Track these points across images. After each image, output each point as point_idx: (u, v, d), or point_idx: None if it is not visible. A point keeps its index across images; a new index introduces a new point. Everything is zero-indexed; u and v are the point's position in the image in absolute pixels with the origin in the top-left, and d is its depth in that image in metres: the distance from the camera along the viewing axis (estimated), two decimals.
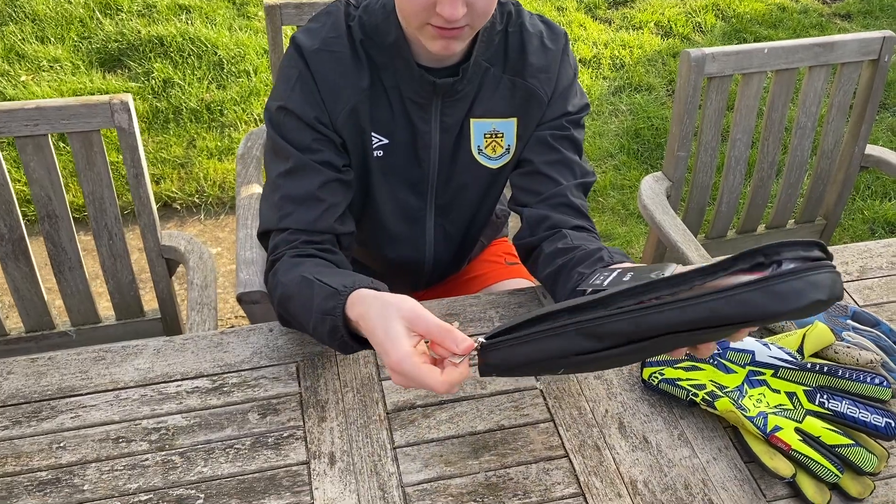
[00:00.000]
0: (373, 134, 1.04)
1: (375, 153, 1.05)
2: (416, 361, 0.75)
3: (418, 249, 1.17)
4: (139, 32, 3.13)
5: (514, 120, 1.07)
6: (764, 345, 0.95)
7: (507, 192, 1.19)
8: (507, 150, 1.09)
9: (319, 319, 0.86)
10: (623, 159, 2.77)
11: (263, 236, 1.03)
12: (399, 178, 1.09)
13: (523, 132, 1.08)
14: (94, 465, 0.88)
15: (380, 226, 1.13)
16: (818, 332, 0.97)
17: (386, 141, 1.05)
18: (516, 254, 1.45)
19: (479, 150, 1.08)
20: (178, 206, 2.54)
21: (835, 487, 0.87)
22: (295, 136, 0.99)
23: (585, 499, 0.86)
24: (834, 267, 0.66)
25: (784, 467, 0.87)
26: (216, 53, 3.06)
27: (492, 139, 1.07)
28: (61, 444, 0.90)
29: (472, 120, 1.06)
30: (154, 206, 1.32)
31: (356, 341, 0.86)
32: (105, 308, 1.44)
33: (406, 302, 0.79)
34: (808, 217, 1.71)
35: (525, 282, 1.33)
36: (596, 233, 1.06)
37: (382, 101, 1.02)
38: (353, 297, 0.83)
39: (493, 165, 1.10)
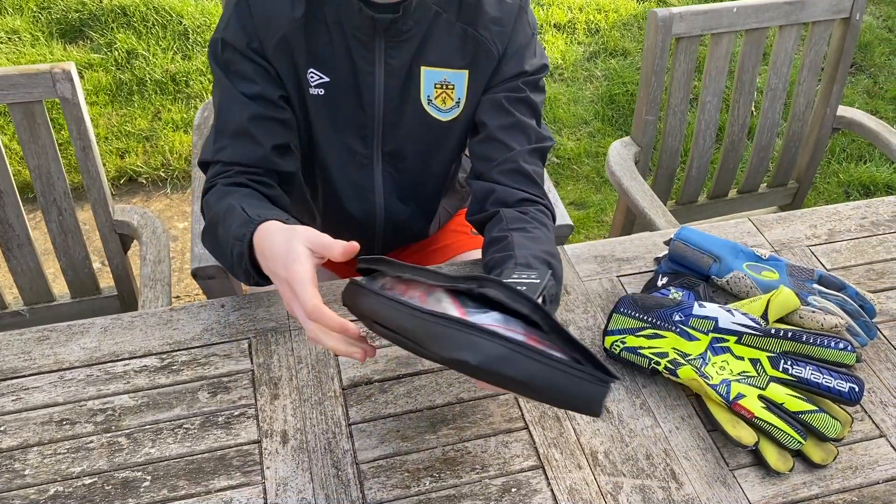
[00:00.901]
0: (311, 70, 1.01)
1: (315, 91, 1.02)
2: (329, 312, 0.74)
3: (367, 199, 1.13)
4: (101, 2, 3.03)
5: (466, 72, 1.04)
6: (728, 311, 0.93)
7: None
8: (458, 103, 1.06)
9: (232, 244, 0.86)
10: (598, 126, 2.73)
11: (203, 166, 1.02)
12: (343, 120, 1.06)
13: (473, 86, 1.05)
14: (35, 448, 0.85)
15: (326, 172, 1.10)
16: (783, 297, 0.95)
17: (326, 79, 1.01)
18: None
19: (429, 101, 1.04)
20: (144, 181, 2.48)
21: (798, 454, 0.86)
22: (233, 67, 0.99)
23: (545, 471, 0.84)
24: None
25: (747, 435, 0.85)
26: (181, 23, 2.97)
27: (442, 90, 1.03)
28: (1, 429, 0.86)
29: (423, 68, 1.02)
30: (105, 180, 1.27)
31: (260, 275, 0.86)
32: (62, 287, 1.40)
33: (308, 230, 0.79)
34: (781, 181, 1.69)
35: None
36: (544, 202, 1.03)
37: (322, 36, 0.99)
38: (263, 226, 0.83)
39: (443, 118, 1.06)
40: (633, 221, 1.56)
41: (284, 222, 0.84)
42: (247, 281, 0.89)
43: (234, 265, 0.89)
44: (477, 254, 1.31)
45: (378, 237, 1.20)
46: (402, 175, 1.12)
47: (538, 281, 0.83)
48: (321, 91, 1.02)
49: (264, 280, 0.87)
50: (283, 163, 1.00)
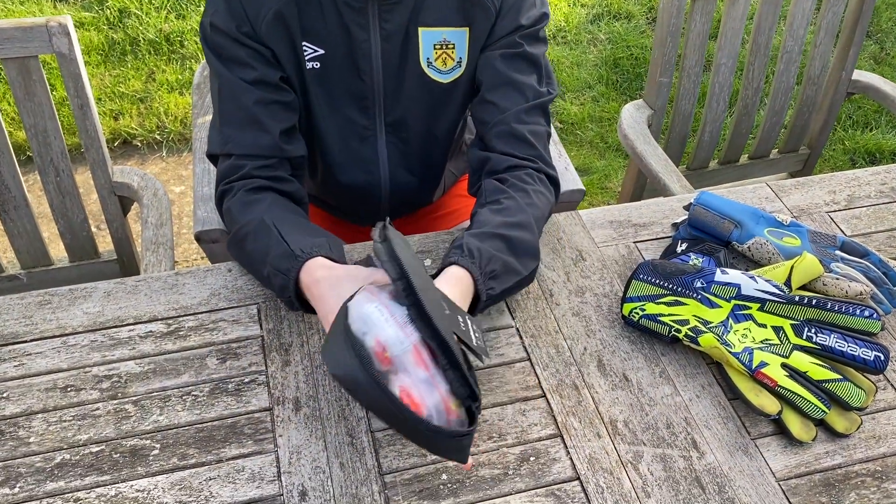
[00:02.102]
0: (304, 44, 0.96)
1: (310, 65, 0.98)
2: None
3: (371, 172, 1.10)
4: None
5: (466, 30, 0.99)
6: (750, 277, 0.91)
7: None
8: (459, 63, 1.01)
9: (273, 272, 0.86)
10: (602, 90, 2.68)
11: (212, 158, 0.99)
12: (340, 93, 1.02)
13: (474, 44, 1.01)
14: (40, 415, 0.82)
15: (326, 148, 1.07)
16: (806, 263, 0.93)
17: (320, 51, 0.97)
18: None
19: (429, 63, 1.00)
20: (139, 144, 2.42)
21: (821, 423, 0.84)
22: (226, 53, 0.95)
23: (563, 439, 0.82)
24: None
25: (770, 404, 0.83)
26: None
27: (442, 51, 0.99)
28: (4, 395, 0.84)
29: (420, 29, 0.98)
30: (103, 141, 1.23)
31: (301, 303, 0.86)
32: (59, 251, 1.36)
33: (359, 275, 0.81)
34: (792, 146, 1.66)
35: None
36: (535, 164, 0.99)
37: (313, 8, 0.95)
38: (308, 264, 0.84)
39: (444, 80, 1.02)
40: (643, 187, 1.53)
41: (328, 256, 0.85)
42: (288, 307, 0.89)
43: (271, 288, 0.90)
44: None
45: (384, 207, 1.17)
46: (406, 145, 1.09)
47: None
48: (316, 65, 0.98)
49: (308, 309, 0.86)
50: (293, 148, 0.97)
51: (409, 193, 1.16)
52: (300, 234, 0.87)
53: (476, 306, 0.85)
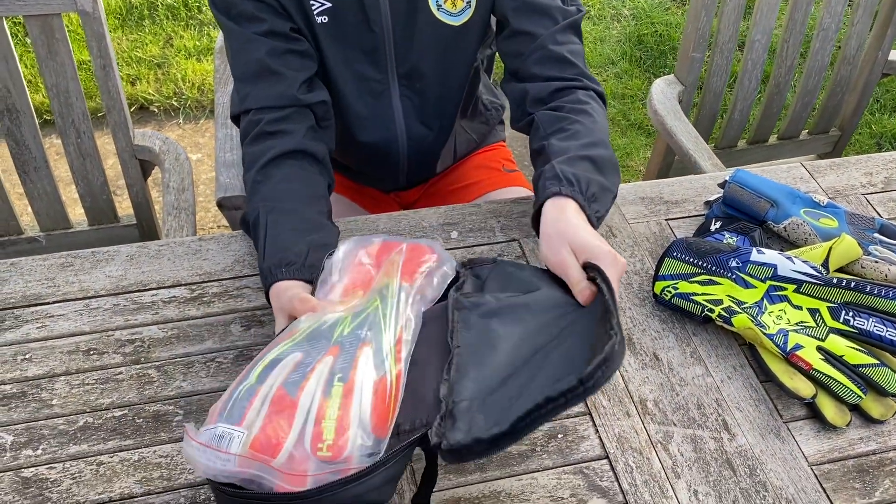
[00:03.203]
0: None
1: (319, 19, 0.96)
2: None
3: (388, 128, 1.08)
4: None
5: None
6: (787, 258, 0.88)
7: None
8: (468, 3, 0.99)
9: (260, 265, 0.85)
10: (625, 67, 2.64)
11: (234, 120, 0.97)
12: (352, 47, 0.99)
13: None
14: (62, 378, 0.81)
15: (343, 106, 1.04)
16: (845, 245, 0.90)
17: (328, 4, 0.95)
18: (513, 160, 1.37)
19: (439, 6, 0.98)
20: (156, 110, 2.40)
21: (856, 409, 0.83)
22: (234, 10, 0.93)
23: (592, 418, 0.81)
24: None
25: (804, 387, 0.82)
26: None
27: None
28: (27, 356, 0.83)
29: None
30: (125, 102, 1.21)
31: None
32: (78, 215, 1.35)
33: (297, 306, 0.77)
34: (823, 128, 1.63)
35: (525, 190, 1.25)
36: (582, 83, 0.97)
37: None
38: (273, 287, 0.81)
39: (455, 22, 1.00)
40: (670, 165, 1.50)
41: (294, 277, 0.81)
42: None
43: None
44: (508, 192, 1.26)
45: (402, 166, 1.14)
46: (420, 96, 1.06)
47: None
48: (325, 18, 0.96)
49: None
50: (312, 95, 0.94)
51: (426, 147, 1.14)
52: (284, 239, 0.85)
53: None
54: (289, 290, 0.79)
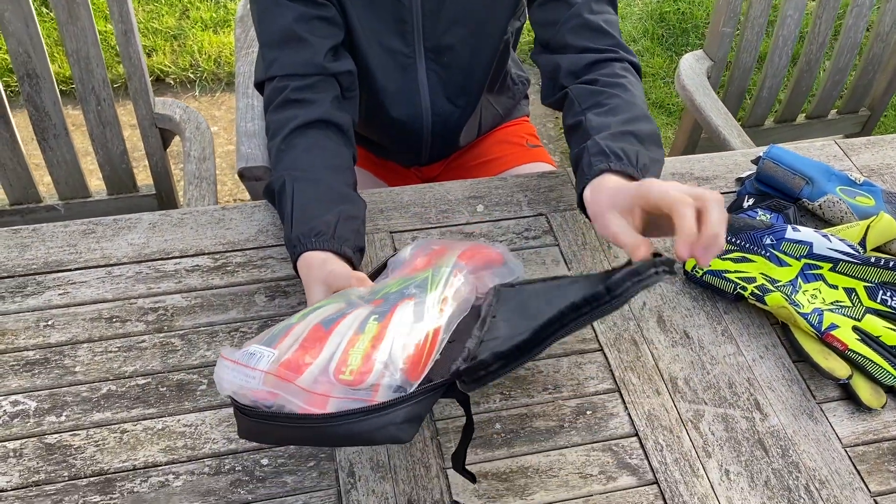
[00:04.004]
0: None
1: None
2: None
3: (413, 103, 1.05)
4: None
5: None
6: (823, 236, 0.86)
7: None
8: None
9: (286, 236, 0.83)
10: (646, 45, 2.60)
11: (259, 87, 0.95)
12: (379, 17, 0.97)
13: None
14: (85, 345, 0.81)
15: (368, 79, 1.01)
16: (884, 224, 0.88)
17: None
18: (537, 135, 1.34)
19: None
20: (172, 82, 2.38)
21: (891, 390, 0.81)
22: None
23: (621, 395, 0.80)
24: None
25: (840, 368, 0.80)
26: None
27: None
28: (49, 322, 0.82)
29: None
30: (146, 69, 1.19)
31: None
32: (96, 185, 1.34)
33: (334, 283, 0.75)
34: (853, 107, 1.59)
35: (548, 166, 1.23)
36: (618, 54, 0.93)
37: None
38: (303, 257, 0.79)
39: None
40: (695, 143, 1.48)
41: (324, 248, 0.78)
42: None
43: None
44: (531, 168, 1.24)
45: (426, 141, 1.12)
46: (447, 71, 1.04)
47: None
48: None
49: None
50: (338, 64, 0.92)
51: (452, 124, 1.12)
52: (312, 208, 0.82)
53: None
54: (327, 264, 0.76)
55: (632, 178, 0.78)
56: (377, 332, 0.64)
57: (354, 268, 0.79)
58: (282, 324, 0.66)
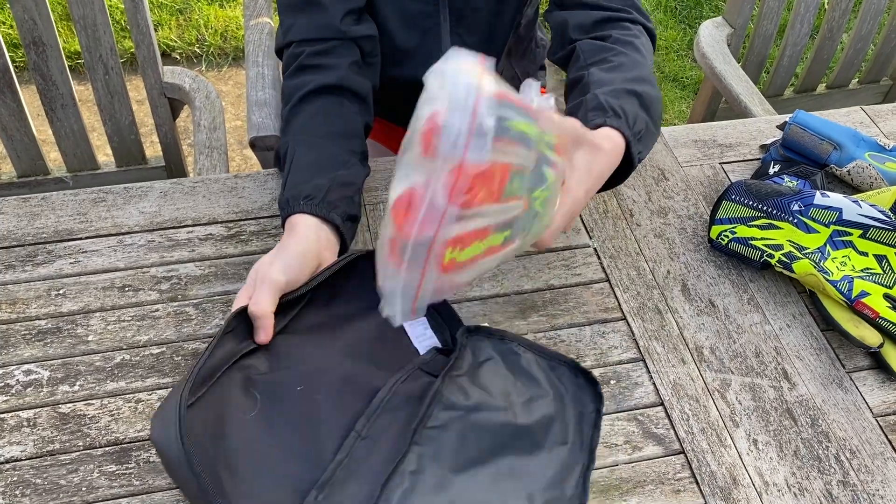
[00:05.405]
0: None
1: None
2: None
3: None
4: None
5: None
6: (853, 202, 0.84)
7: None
8: None
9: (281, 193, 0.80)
10: (659, 17, 2.55)
11: (279, 54, 0.92)
12: None
13: None
14: (98, 314, 0.79)
15: (388, 41, 0.98)
16: None
17: None
18: None
19: None
20: (178, 56, 2.35)
21: None
22: None
23: (646, 364, 0.78)
24: None
25: (871, 336, 0.78)
26: None
27: None
28: (61, 291, 0.80)
29: None
30: (154, 37, 1.17)
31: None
32: (104, 160, 1.32)
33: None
34: (874, 76, 1.55)
35: None
36: (631, 15, 0.89)
37: None
38: (290, 219, 0.76)
39: None
40: (714, 113, 1.44)
41: (311, 213, 0.75)
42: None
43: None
44: None
45: None
46: (472, 34, 1.00)
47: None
48: None
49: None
50: (359, 28, 0.89)
51: None
52: (306, 172, 0.79)
53: (626, 174, 0.77)
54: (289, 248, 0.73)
55: (625, 139, 0.75)
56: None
57: (343, 238, 0.77)
58: None
